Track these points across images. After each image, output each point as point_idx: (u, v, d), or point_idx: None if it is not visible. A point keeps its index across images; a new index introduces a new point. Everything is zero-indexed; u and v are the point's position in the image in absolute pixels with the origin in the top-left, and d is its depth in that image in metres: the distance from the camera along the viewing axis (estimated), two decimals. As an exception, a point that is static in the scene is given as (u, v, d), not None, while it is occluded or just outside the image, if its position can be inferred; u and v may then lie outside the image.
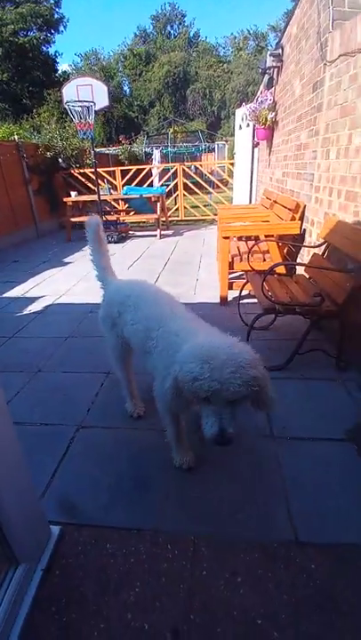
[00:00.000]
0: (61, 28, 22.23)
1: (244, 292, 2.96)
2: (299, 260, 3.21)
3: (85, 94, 5.38)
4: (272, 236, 3.02)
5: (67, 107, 5.23)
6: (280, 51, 4.24)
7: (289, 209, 2.99)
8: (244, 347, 1.08)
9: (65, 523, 1.31)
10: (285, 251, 3.25)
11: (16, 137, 7.14)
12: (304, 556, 1.15)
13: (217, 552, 1.19)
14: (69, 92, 5.46)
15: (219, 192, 8.01)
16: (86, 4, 53.05)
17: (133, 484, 1.46)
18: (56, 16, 21.57)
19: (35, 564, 1.17)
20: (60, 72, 23.66)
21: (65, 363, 2.41)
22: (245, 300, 3.01)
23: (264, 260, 3.14)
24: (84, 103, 5.12)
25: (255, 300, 2.86)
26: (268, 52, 4.45)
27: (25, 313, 3.35)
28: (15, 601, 1.05)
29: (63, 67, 25.26)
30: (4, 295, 3.86)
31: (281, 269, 2.69)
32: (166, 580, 1.12)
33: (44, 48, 21.91)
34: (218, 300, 3.25)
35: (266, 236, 3.03)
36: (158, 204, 6.52)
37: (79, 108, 5.12)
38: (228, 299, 3.24)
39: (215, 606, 1.04)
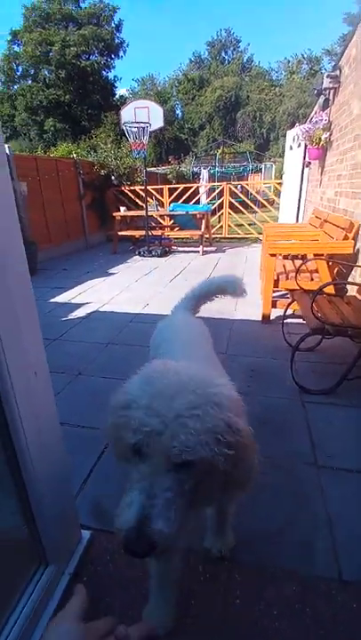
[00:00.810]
0: (121, 53, 23.79)
1: (289, 312, 2.86)
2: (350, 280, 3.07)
3: (142, 116, 5.68)
4: (321, 255, 2.92)
5: (124, 127, 5.55)
6: (338, 72, 4.22)
7: (342, 228, 2.89)
8: (224, 381, 0.69)
9: (95, 528, 1.29)
10: (336, 271, 3.12)
11: (74, 155, 7.68)
12: (346, 595, 1.04)
13: (252, 580, 1.11)
14: (127, 113, 5.80)
15: (264, 211, 7.98)
16: (146, 30, 56.87)
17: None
18: (116, 40, 23.18)
19: (63, 566, 1.15)
20: (117, 96, 25.34)
21: (104, 368, 2.46)
22: (289, 320, 2.91)
23: (312, 279, 3.03)
24: (141, 124, 5.40)
25: (300, 321, 2.76)
26: (325, 74, 4.44)
27: (70, 318, 3.49)
28: (40, 604, 1.02)
29: (121, 91, 27.05)
30: (52, 300, 4.06)
31: (331, 289, 2.58)
32: (196, 601, 1.06)
33: (104, 72, 23.59)
34: (260, 318, 3.18)
35: (315, 255, 2.93)
36: (203, 221, 6.62)
37: (135, 129, 5.40)
38: (271, 317, 3.15)
39: (248, 636, 0.96)
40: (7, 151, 5.28)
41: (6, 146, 5.35)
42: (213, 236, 7.59)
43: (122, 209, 7.17)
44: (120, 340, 2.93)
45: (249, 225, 7.71)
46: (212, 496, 0.66)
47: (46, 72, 22.10)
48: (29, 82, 22.87)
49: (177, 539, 0.56)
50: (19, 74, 23.28)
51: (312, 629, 0.97)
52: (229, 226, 7.71)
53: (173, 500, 0.56)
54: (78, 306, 3.81)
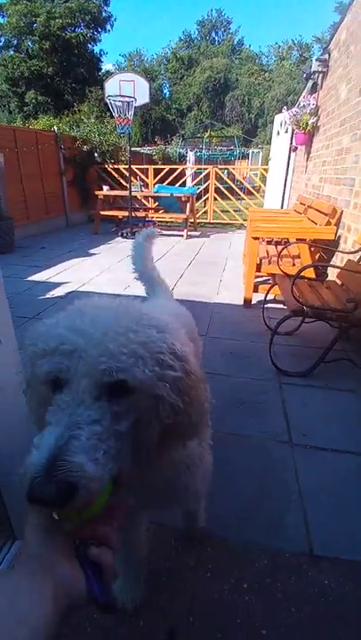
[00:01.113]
0: (108, 27, 22.64)
1: (270, 297, 2.86)
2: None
3: (127, 90, 5.44)
4: (304, 240, 2.92)
5: (108, 101, 5.30)
6: (327, 56, 4.15)
7: (325, 213, 2.89)
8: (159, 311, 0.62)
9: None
10: (317, 256, 3.14)
11: (56, 128, 7.31)
12: (317, 570, 1.06)
13: (223, 555, 1.11)
14: (112, 86, 5.54)
15: (250, 198, 7.92)
16: (134, 4, 54.31)
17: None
18: (104, 14, 22.01)
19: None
20: (103, 71, 24.22)
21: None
22: (270, 305, 2.92)
23: (293, 264, 3.04)
24: (126, 98, 5.18)
25: (281, 306, 2.77)
26: (315, 58, 4.37)
27: (47, 297, 3.37)
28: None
29: (107, 66, 25.76)
30: (29, 278, 3.91)
31: (311, 273, 2.59)
32: (165, 577, 1.06)
33: (90, 46, 22.41)
34: (241, 302, 3.17)
35: (297, 240, 2.93)
36: (188, 205, 6.50)
37: (120, 103, 5.17)
38: (253, 302, 3.15)
39: (218, 611, 0.97)
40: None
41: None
42: (198, 220, 7.49)
43: (105, 188, 6.93)
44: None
45: (235, 211, 7.65)
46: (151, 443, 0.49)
47: (30, 43, 20.84)
48: (11, 52, 21.51)
49: (104, 486, 0.40)
50: (0, 44, 21.85)
51: (282, 604, 0.98)
52: (214, 211, 7.62)
53: (104, 436, 0.41)
54: (57, 285, 3.69)
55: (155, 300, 1.26)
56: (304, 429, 1.63)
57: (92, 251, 5.32)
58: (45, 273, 4.11)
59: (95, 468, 0.38)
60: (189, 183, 8.41)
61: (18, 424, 0.97)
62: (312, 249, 2.90)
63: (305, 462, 1.46)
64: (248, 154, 14.84)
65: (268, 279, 3.37)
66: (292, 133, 4.89)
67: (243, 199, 7.83)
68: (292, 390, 1.93)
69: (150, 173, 7.91)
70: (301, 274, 2.12)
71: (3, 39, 21.59)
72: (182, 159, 11.67)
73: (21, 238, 5.55)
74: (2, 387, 0.90)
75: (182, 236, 6.49)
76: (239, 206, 7.73)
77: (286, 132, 5.74)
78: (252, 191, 7.54)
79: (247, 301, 3.12)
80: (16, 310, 2.77)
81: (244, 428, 1.65)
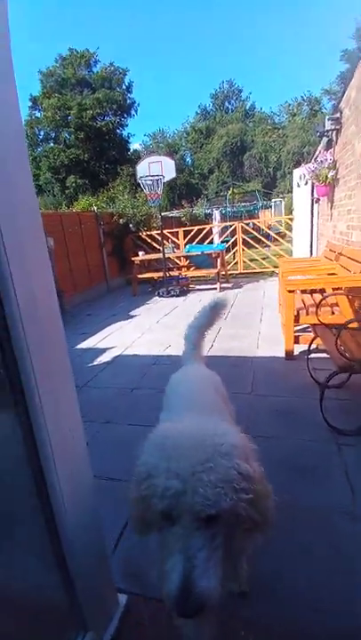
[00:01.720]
0: (133, 112, 26.05)
1: (312, 347, 2.83)
2: (372, 313, 3.03)
3: (155, 169, 6.13)
4: (340, 288, 2.92)
5: (140, 181, 5.98)
6: (339, 114, 4.46)
7: (358, 261, 2.91)
8: (228, 427, 0.75)
9: (131, 592, 1.25)
10: (357, 303, 3.10)
11: (95, 207, 8.25)
12: None
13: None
14: (142, 168, 6.27)
15: (277, 245, 8.14)
16: (154, 89, 62.74)
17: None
18: (128, 101, 25.47)
19: (102, 632, 1.12)
20: (132, 150, 27.46)
21: (131, 415, 2.47)
22: (314, 355, 2.87)
23: (333, 312, 3.02)
24: (155, 177, 5.82)
25: (325, 355, 2.71)
26: (327, 117, 4.71)
27: (95, 363, 3.58)
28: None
29: (135, 145, 29.33)
30: (78, 346, 4.20)
31: (353, 323, 2.55)
32: None
33: (119, 130, 25.81)
34: (283, 355, 3.15)
35: (333, 289, 2.94)
36: (218, 260, 6.81)
37: (150, 182, 5.81)
38: (295, 353, 3.12)
39: None
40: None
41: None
42: (229, 272, 7.75)
43: (140, 253, 7.52)
44: (144, 384, 2.96)
45: (263, 259, 7.86)
46: (243, 545, 0.73)
47: (66, 134, 24.46)
48: (51, 144, 25.30)
49: (219, 592, 0.60)
50: (41, 137, 25.87)
51: None
52: (244, 262, 7.88)
53: (210, 555, 0.61)
54: (103, 351, 3.92)
55: (191, 366, 1.47)
56: (372, 498, 1.52)
57: (132, 312, 5.65)
58: (92, 339, 4.40)
59: (212, 583, 0.59)
60: (217, 240, 8.87)
61: (87, 514, 1.02)
62: (350, 297, 2.89)
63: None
64: (271, 205, 15.50)
65: (308, 328, 3.35)
66: (313, 186, 5.13)
67: (269, 246, 8.07)
68: (353, 452, 1.83)
69: (180, 235, 8.49)
70: (340, 324, 2.11)
71: (42, 132, 25.55)
72: (208, 218, 12.47)
73: (69, 307, 6.05)
74: (73, 476, 0.97)
75: (216, 288, 6.71)
76: (267, 254, 7.94)
77: (306, 184, 6.03)
78: (277, 238, 7.79)
79: (289, 353, 3.09)
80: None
81: (303, 499, 1.57)
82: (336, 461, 1.77)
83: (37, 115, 25.05)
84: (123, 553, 1.42)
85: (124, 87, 25.08)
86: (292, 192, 8.13)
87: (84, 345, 4.22)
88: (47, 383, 0.86)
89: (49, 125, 24.25)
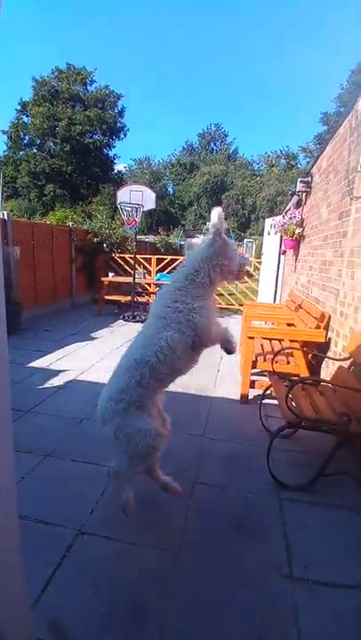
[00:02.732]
0: (121, 136, 26.60)
1: (267, 392, 2.91)
2: (323, 368, 3.20)
3: (136, 198, 6.26)
4: (296, 340, 3.08)
5: (119, 206, 6.06)
6: (310, 179, 4.89)
7: (314, 317, 3.10)
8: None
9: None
10: (310, 356, 3.27)
11: (70, 223, 8.17)
12: None
13: None
14: (123, 194, 6.38)
15: (243, 283, 8.51)
16: (145, 119, 65.54)
17: (130, 612, 1.29)
18: (118, 124, 26.03)
19: None
20: (115, 171, 27.86)
21: (76, 449, 2.34)
22: (267, 401, 2.95)
23: (288, 362, 3.15)
24: (135, 205, 5.92)
25: (277, 403, 2.80)
26: (299, 179, 5.14)
27: (46, 386, 3.40)
28: None
29: (119, 167, 29.87)
30: (30, 364, 3.98)
31: (305, 372, 2.67)
32: None
33: (105, 150, 26.17)
34: (238, 397, 3.20)
35: (290, 341, 3.09)
36: (187, 292, 6.93)
37: (129, 209, 5.90)
38: (250, 396, 3.19)
39: None
40: (5, 216, 5.59)
41: (4, 212, 5.69)
42: (196, 305, 7.90)
43: (110, 274, 7.47)
44: (95, 414, 2.84)
45: (230, 295, 8.14)
46: None
47: (52, 144, 24.38)
48: (35, 150, 25.02)
49: None
50: (25, 142, 25.55)
51: None
52: (212, 296, 8.10)
53: None
54: (56, 373, 3.75)
55: None
56: (306, 559, 1.53)
57: (94, 334, 5.51)
58: (46, 359, 4.20)
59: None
60: (189, 271, 9.07)
61: (10, 569, 0.93)
62: (304, 349, 3.05)
63: (305, 601, 1.35)
64: (243, 245, 16.29)
65: (265, 372, 3.46)
66: (281, 238, 5.49)
67: (237, 285, 8.39)
68: (293, 508, 1.86)
69: (153, 262, 8.59)
70: (294, 375, 2.20)
71: (27, 138, 25.26)
72: (182, 248, 12.81)
73: (29, 319, 5.78)
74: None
75: (181, 320, 6.77)
76: (234, 291, 8.24)
77: (276, 233, 6.44)
78: (245, 277, 8.19)
79: (244, 397, 3.16)
80: (14, 402, 2.77)
81: (244, 557, 1.55)
82: (276, 518, 1.79)
83: (25, 120, 24.87)
84: (47, 605, 1.30)
85: (116, 111, 25.72)
86: (263, 236, 8.63)
87: (36, 364, 4.01)
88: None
89: (35, 132, 24.11)
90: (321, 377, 3.09)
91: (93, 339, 5.27)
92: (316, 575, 1.47)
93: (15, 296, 5.37)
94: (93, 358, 4.28)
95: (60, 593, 1.36)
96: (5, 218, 5.52)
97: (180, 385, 3.46)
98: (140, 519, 1.72)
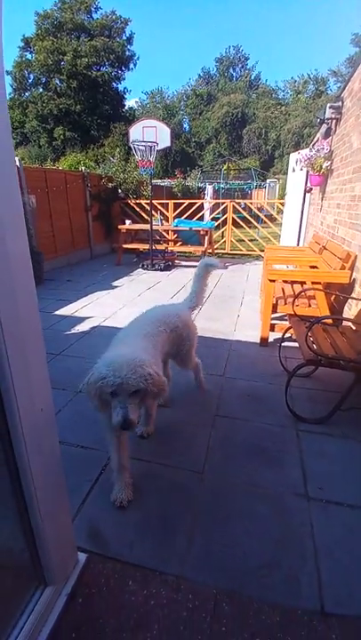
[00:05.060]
0: (131, 66, 24.27)
1: (286, 336, 2.94)
2: (346, 310, 3.15)
3: (150, 135, 5.85)
4: (319, 282, 3.01)
5: (132, 145, 5.71)
6: (340, 103, 4.37)
7: (339, 258, 2.99)
8: (142, 354, 1.42)
9: (91, 552, 1.35)
10: (333, 298, 3.21)
11: (83, 168, 7.85)
12: (326, 626, 1.10)
13: (238, 610, 1.16)
14: (136, 132, 5.97)
15: (265, 228, 8.13)
16: (156, 43, 58.43)
17: (160, 522, 1.48)
18: (127, 53, 23.64)
19: (61, 587, 1.21)
20: (127, 107, 25.82)
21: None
22: (287, 344, 2.99)
23: (309, 305, 3.12)
24: (148, 143, 5.56)
25: (297, 344, 2.84)
26: (328, 105, 4.60)
27: (72, 332, 3.56)
28: (39, 622, 1.09)
29: (130, 102, 27.63)
30: (56, 312, 4.15)
31: (327, 320, 2.66)
32: (185, 629, 1.11)
33: (115, 84, 24.08)
34: (258, 340, 3.25)
35: (313, 283, 3.02)
36: (206, 238, 6.75)
37: (143, 147, 5.56)
38: (269, 340, 3.23)
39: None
40: (17, 163, 5.43)
41: (17, 158, 5.51)
42: (216, 251, 7.72)
43: (127, 222, 7.31)
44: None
45: (251, 241, 7.86)
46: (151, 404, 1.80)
47: (57, 81, 22.60)
48: (41, 90, 23.36)
49: (137, 421, 1.34)
50: (30, 81, 23.81)
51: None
52: (232, 242, 7.85)
53: (134, 408, 1.31)
54: (81, 320, 3.89)
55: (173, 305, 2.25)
56: (321, 482, 1.67)
57: (115, 283, 5.58)
58: (71, 307, 4.35)
59: (134, 417, 1.31)
60: (207, 217, 8.74)
61: (53, 474, 1.07)
62: (327, 292, 2.98)
63: (320, 518, 1.49)
64: (265, 185, 15.26)
65: (285, 316, 3.46)
66: (307, 174, 5.09)
67: (258, 229, 8.05)
68: (309, 439, 1.98)
69: (170, 207, 8.28)
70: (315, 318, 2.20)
71: (32, 76, 23.50)
72: (201, 191, 12.17)
73: (49, 270, 5.89)
74: (40, 440, 1.02)
75: (200, 267, 6.68)
76: (255, 236, 7.94)
77: (301, 169, 5.96)
78: (267, 221, 7.78)
79: (264, 340, 3.20)
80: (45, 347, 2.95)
81: (262, 479, 1.70)
82: (293, 447, 1.91)
83: (28, 57, 22.90)
84: (87, 515, 1.51)
85: (124, 38, 23.15)
86: (287, 175, 8.04)
87: (61, 312, 4.17)
88: (18, 355, 0.89)
89: (40, 69, 22.30)
90: (345, 315, 3.06)
91: (115, 287, 5.34)
92: (330, 496, 1.60)
93: (35, 246, 5.41)
94: (115, 306, 4.39)
95: (98, 506, 1.56)
96: (18, 165, 5.36)
97: (200, 329, 3.56)
98: (169, 447, 1.91)
